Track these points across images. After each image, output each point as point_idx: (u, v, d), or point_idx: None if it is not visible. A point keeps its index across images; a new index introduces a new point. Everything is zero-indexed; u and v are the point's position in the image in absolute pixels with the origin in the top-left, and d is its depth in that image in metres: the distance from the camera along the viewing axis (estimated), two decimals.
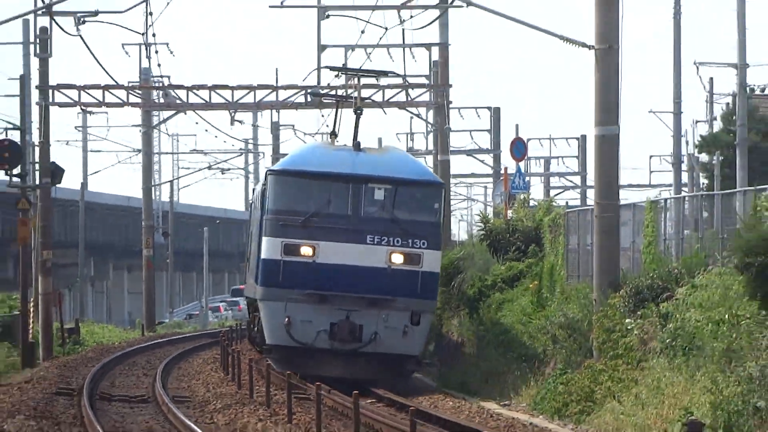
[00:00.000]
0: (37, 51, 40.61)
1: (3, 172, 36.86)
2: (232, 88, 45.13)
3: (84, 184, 54.64)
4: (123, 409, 21.65)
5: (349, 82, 37.69)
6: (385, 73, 35.72)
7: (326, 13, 38.30)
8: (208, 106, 45.97)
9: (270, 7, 31.83)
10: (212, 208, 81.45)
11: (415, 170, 27.15)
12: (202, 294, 62.61)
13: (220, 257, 68.74)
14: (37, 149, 40.90)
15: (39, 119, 41.16)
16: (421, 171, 27.81)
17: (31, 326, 37.85)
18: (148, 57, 46.65)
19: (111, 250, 61.92)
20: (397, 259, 25.32)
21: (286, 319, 24.87)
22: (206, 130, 69.36)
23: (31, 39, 41.76)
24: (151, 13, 40.63)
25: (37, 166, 40.63)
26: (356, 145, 26.69)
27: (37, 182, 40.14)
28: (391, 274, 25.23)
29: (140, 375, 30.13)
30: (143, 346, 40.39)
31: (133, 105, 49.35)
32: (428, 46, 44.00)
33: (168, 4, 37.70)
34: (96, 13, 38.33)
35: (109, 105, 47.78)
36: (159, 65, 48.44)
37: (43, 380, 26.52)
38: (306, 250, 25.20)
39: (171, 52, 51.84)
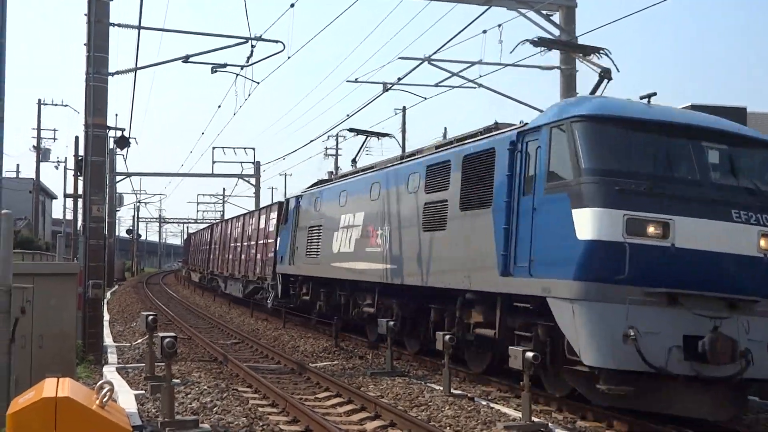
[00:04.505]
0: None
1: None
2: None
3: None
4: (153, 287, 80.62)
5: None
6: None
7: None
8: None
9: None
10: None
11: (748, 130, 15.10)
12: (173, 261, 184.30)
13: (173, 255, 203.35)
14: None
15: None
16: (754, 131, 15.18)
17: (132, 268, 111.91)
18: None
19: (151, 254, 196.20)
20: None
21: (631, 331, 12.72)
22: None
23: None
24: None
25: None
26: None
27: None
28: (764, 264, 13.71)
29: (157, 278, 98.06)
30: (159, 272, 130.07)
31: None
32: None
33: None
34: None
35: None
36: None
37: (135, 281, 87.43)
38: (656, 229, 13.10)
39: None
